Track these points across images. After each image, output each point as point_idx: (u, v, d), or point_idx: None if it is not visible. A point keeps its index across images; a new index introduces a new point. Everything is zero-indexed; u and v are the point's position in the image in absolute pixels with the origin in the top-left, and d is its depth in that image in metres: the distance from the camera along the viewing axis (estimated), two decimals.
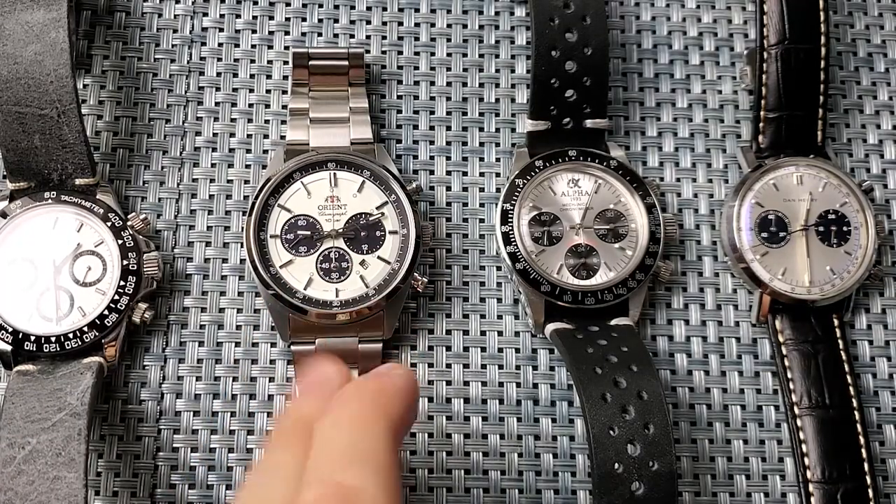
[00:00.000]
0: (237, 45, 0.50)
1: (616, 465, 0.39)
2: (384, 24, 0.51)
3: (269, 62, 0.50)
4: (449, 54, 0.51)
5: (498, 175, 0.49)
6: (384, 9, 0.51)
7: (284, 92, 0.49)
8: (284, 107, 0.49)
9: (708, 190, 0.50)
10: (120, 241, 0.44)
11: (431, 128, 0.50)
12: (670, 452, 0.38)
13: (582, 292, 0.45)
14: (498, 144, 0.50)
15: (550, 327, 0.45)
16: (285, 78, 0.49)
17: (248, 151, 0.49)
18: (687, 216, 0.49)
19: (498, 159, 0.49)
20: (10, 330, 0.42)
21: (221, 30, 0.50)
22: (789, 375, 0.46)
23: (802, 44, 0.48)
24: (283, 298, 0.43)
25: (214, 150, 0.48)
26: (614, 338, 0.43)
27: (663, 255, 0.46)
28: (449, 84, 0.50)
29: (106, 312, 0.43)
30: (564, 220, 0.46)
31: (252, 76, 0.50)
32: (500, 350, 0.47)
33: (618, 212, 0.47)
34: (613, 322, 0.45)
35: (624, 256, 0.46)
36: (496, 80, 0.50)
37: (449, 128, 0.50)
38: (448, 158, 0.49)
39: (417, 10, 0.51)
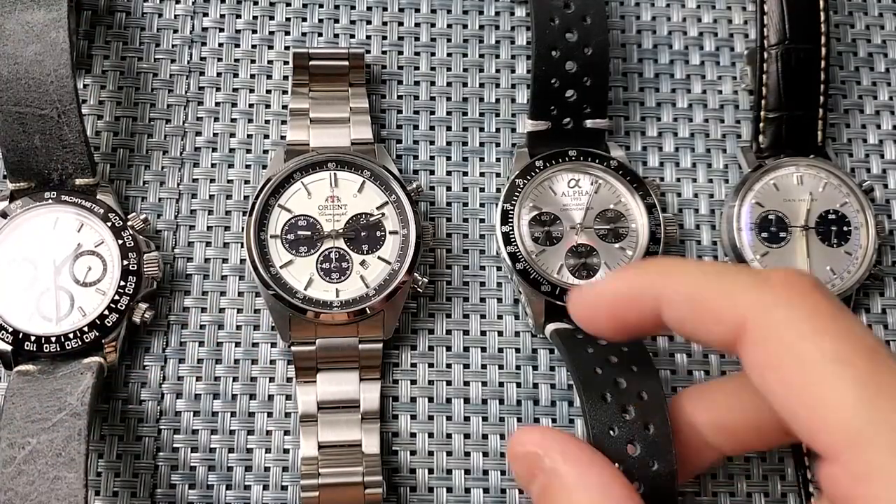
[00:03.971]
0: (237, 46, 0.50)
1: (616, 465, 0.39)
2: (384, 24, 0.51)
3: (270, 62, 0.50)
4: (449, 54, 0.51)
5: (498, 175, 0.49)
6: (384, 9, 0.51)
7: (285, 92, 0.49)
8: (285, 107, 0.49)
9: (708, 190, 0.50)
10: (120, 242, 0.44)
11: (431, 128, 0.50)
12: (671, 452, 0.38)
13: None
14: (498, 144, 0.50)
15: (551, 327, 0.44)
16: (285, 78, 0.49)
17: (249, 151, 0.49)
18: (687, 216, 0.49)
19: (498, 159, 0.49)
20: (11, 330, 0.42)
21: (222, 30, 0.50)
22: None
23: (803, 44, 0.48)
24: (283, 298, 0.43)
25: (215, 150, 0.48)
26: None
27: (664, 254, 0.46)
28: (449, 84, 0.50)
29: (106, 312, 0.43)
30: (564, 220, 0.46)
31: (252, 76, 0.50)
32: (501, 350, 0.47)
33: (618, 212, 0.46)
34: None
35: (624, 256, 0.46)
36: (496, 80, 0.50)
37: (449, 128, 0.50)
38: (448, 158, 0.49)
39: (418, 11, 0.51)
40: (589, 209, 0.46)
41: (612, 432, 0.39)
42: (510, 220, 0.46)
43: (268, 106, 0.49)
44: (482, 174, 0.49)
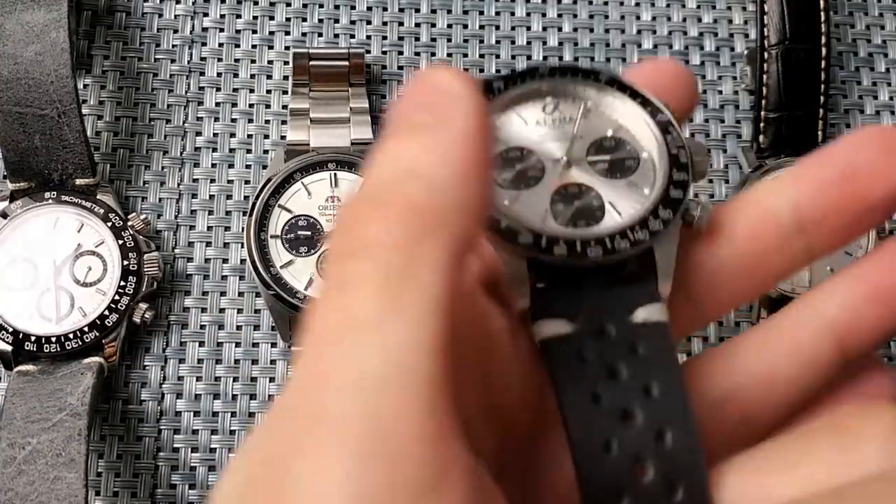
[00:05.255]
0: (237, 46, 0.50)
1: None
2: (385, 24, 0.51)
3: (270, 62, 0.50)
4: (449, 54, 0.51)
5: None
6: (385, 9, 0.51)
7: (285, 92, 0.49)
8: (285, 107, 0.49)
9: (708, 190, 0.50)
10: (120, 242, 0.44)
11: None
12: (700, 470, 0.25)
13: (582, 241, 0.29)
14: None
15: (543, 329, 0.28)
16: (286, 78, 0.49)
17: (249, 152, 0.49)
18: None
19: None
20: (11, 330, 0.42)
21: (222, 30, 0.50)
22: None
23: (803, 44, 0.48)
24: (283, 299, 0.43)
25: (215, 150, 0.48)
26: (634, 342, 0.28)
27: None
28: None
29: (106, 313, 0.43)
30: (543, 155, 0.31)
31: (252, 76, 0.50)
32: None
33: (619, 138, 0.31)
34: (639, 317, 0.28)
35: (638, 194, 0.31)
36: None
37: None
38: None
39: (418, 11, 0.51)
40: (578, 138, 0.31)
41: (608, 448, 0.26)
42: None
43: (268, 106, 0.49)
44: None
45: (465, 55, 0.51)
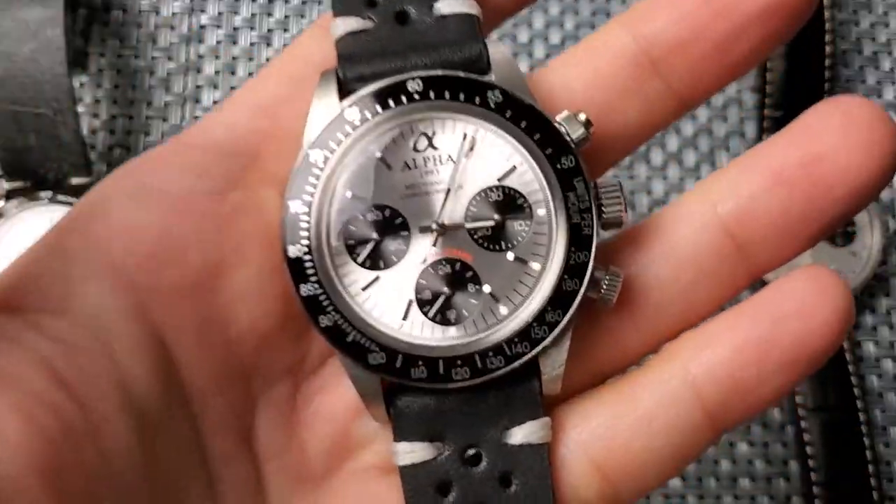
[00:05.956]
0: (235, 43, 0.49)
1: None
2: None
3: (268, 60, 0.49)
4: None
5: None
6: None
7: None
8: None
9: None
10: None
11: None
12: None
13: (445, 360, 0.24)
14: None
15: (401, 456, 0.24)
16: None
17: None
18: None
19: None
20: None
21: (219, 27, 0.50)
22: None
23: (807, 43, 0.47)
24: None
25: None
26: (508, 472, 0.24)
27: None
28: None
29: None
30: (411, 217, 0.24)
31: (250, 75, 0.49)
32: None
33: (509, 190, 0.25)
34: (516, 438, 0.24)
35: (528, 273, 0.25)
36: None
37: None
38: None
39: None
40: (457, 188, 0.24)
41: None
42: (304, 231, 0.24)
43: None
44: None
45: None
